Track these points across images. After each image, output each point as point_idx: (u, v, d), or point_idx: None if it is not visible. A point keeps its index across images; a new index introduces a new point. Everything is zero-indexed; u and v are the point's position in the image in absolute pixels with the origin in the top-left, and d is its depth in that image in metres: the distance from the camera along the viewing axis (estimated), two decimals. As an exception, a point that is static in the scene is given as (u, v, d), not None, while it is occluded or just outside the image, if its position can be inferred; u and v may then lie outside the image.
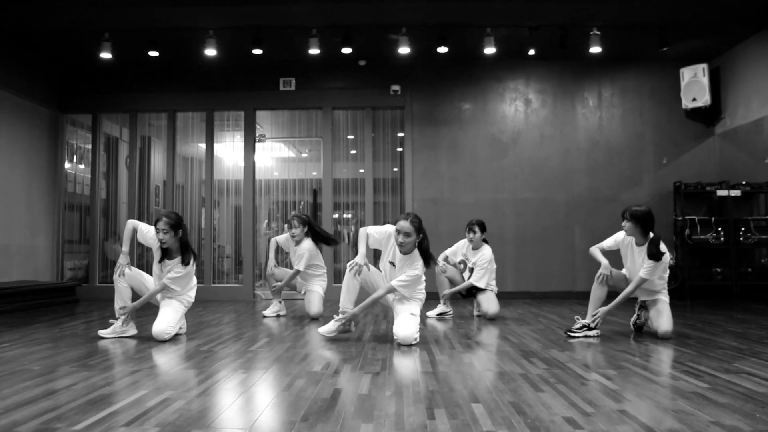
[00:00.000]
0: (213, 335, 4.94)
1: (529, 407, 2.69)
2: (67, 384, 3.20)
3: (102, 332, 4.79)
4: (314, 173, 9.66)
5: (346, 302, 4.62)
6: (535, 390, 3.01)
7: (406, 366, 3.65)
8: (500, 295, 7.49)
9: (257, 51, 7.36)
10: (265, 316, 6.23)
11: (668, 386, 3.08)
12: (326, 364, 3.71)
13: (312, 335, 4.95)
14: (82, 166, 9.07)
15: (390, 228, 4.63)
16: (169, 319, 4.65)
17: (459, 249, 6.37)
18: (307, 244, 6.14)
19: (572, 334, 4.73)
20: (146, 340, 4.68)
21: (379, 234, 4.67)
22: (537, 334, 4.95)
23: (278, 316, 6.27)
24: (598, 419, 2.51)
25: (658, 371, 3.45)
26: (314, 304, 6.08)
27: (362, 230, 4.70)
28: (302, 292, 6.33)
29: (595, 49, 7.28)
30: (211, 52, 7.26)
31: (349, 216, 9.14)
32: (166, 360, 3.92)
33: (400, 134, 8.89)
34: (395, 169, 8.98)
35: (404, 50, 7.27)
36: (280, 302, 6.33)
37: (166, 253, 4.73)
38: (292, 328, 5.39)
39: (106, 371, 3.59)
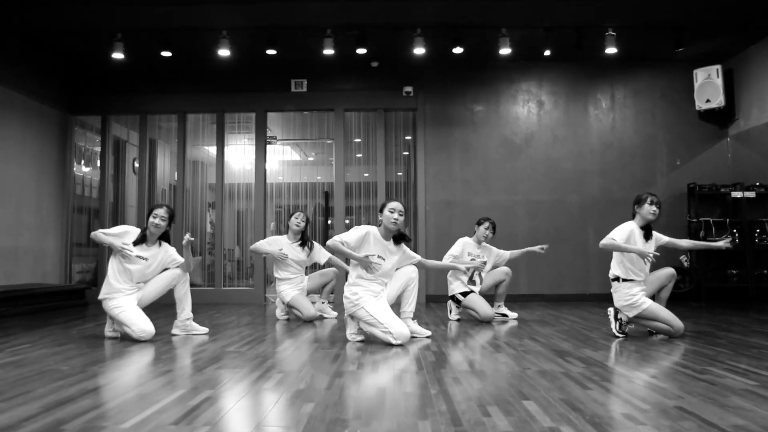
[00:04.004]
0: (235, 336, 4.85)
1: (583, 404, 2.62)
2: (101, 384, 3.13)
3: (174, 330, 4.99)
4: (319, 177, 9.59)
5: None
6: (583, 388, 2.94)
7: (443, 365, 3.58)
8: (514, 298, 7.48)
9: (271, 51, 7.29)
10: (285, 319, 6.17)
11: (717, 384, 3.01)
12: (360, 363, 3.64)
13: (337, 336, 4.88)
14: (88, 169, 8.98)
15: (360, 230, 4.54)
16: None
17: (465, 249, 6.20)
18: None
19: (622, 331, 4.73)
20: (167, 342, 4.61)
21: (353, 239, 4.48)
22: (564, 334, 4.89)
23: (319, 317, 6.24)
24: (658, 416, 2.45)
25: (699, 369, 3.39)
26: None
27: (335, 242, 4.46)
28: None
29: (611, 50, 7.25)
30: (224, 52, 7.20)
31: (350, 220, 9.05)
32: (194, 360, 3.84)
33: (407, 137, 8.84)
34: (399, 174, 8.92)
35: (419, 51, 7.22)
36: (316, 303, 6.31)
37: (143, 240, 4.84)
38: (314, 330, 5.32)
39: (137, 372, 3.52)
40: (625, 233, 4.63)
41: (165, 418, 2.42)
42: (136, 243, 4.79)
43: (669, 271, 4.88)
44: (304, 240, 6.20)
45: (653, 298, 4.80)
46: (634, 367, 3.53)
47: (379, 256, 4.54)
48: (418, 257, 4.79)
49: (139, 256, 4.78)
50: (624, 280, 4.68)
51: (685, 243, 4.97)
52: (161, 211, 4.83)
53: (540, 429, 2.26)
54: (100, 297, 4.79)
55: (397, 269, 4.73)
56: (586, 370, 3.37)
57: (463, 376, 3.24)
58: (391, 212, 4.50)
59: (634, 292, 4.63)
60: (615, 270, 4.75)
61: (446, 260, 6.03)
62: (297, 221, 6.14)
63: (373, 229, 4.56)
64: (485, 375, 3.29)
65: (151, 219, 4.81)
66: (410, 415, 2.46)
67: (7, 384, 3.05)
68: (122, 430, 2.26)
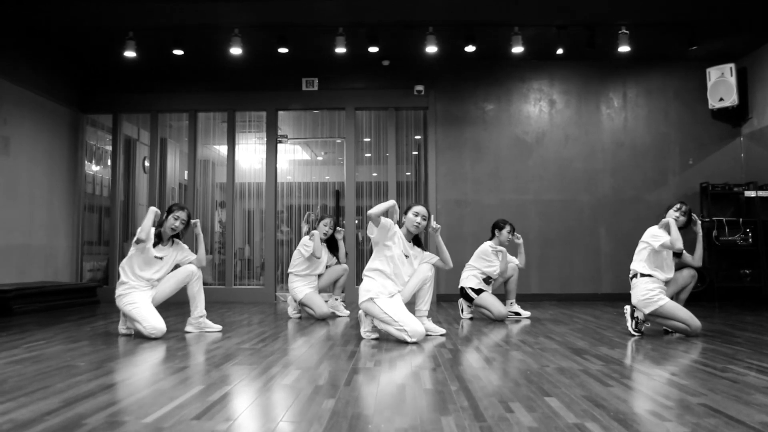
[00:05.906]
0: (249, 334, 4.85)
1: (605, 401, 2.60)
2: (118, 379, 3.12)
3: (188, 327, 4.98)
4: (327, 176, 9.59)
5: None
6: (603, 385, 2.92)
7: (460, 363, 3.56)
8: (524, 297, 7.44)
9: (283, 50, 7.30)
10: (297, 317, 6.17)
11: (739, 382, 2.98)
12: (376, 361, 3.62)
13: (350, 334, 4.86)
14: (98, 168, 9.00)
15: (391, 222, 4.59)
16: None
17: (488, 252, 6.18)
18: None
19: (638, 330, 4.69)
20: (181, 339, 4.61)
21: (385, 219, 4.55)
22: (578, 333, 4.86)
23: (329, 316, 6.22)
24: (683, 412, 2.42)
25: (720, 368, 3.36)
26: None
27: (370, 212, 4.51)
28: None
29: (623, 49, 7.22)
30: (236, 50, 7.20)
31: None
32: (209, 357, 3.83)
33: (417, 137, 8.82)
34: (408, 173, 8.91)
35: (431, 49, 7.20)
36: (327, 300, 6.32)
37: (159, 239, 4.86)
38: (327, 328, 5.31)
39: (153, 368, 3.51)
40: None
41: (186, 413, 2.41)
42: (154, 245, 4.80)
43: (690, 271, 4.83)
44: (338, 258, 6.36)
45: (673, 299, 4.76)
46: (654, 364, 3.50)
47: (404, 254, 4.63)
48: (436, 257, 4.81)
49: (156, 257, 4.80)
50: (643, 275, 4.66)
51: (692, 259, 4.90)
52: (182, 214, 4.83)
53: (565, 425, 2.24)
54: (116, 294, 4.78)
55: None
56: (605, 368, 3.35)
57: (482, 373, 3.22)
58: (415, 215, 4.61)
59: (652, 288, 4.60)
60: (636, 266, 4.74)
61: (474, 259, 6.11)
62: (325, 229, 6.17)
63: (398, 229, 4.65)
64: (504, 372, 3.27)
65: (171, 219, 4.80)
66: (432, 411, 2.44)
67: (26, 379, 3.05)
68: (144, 424, 2.25)
